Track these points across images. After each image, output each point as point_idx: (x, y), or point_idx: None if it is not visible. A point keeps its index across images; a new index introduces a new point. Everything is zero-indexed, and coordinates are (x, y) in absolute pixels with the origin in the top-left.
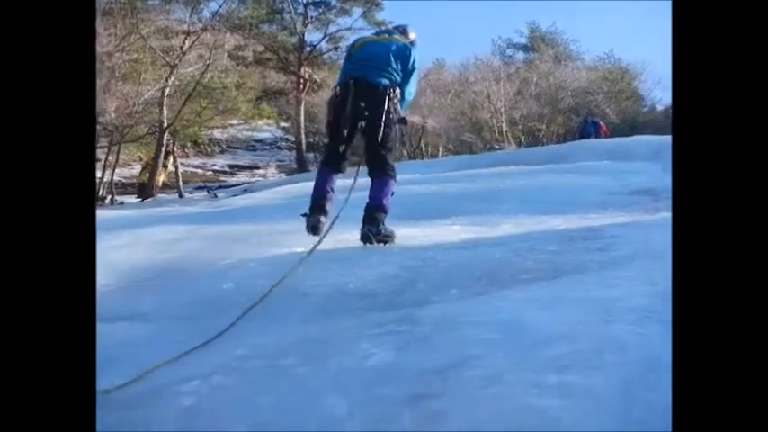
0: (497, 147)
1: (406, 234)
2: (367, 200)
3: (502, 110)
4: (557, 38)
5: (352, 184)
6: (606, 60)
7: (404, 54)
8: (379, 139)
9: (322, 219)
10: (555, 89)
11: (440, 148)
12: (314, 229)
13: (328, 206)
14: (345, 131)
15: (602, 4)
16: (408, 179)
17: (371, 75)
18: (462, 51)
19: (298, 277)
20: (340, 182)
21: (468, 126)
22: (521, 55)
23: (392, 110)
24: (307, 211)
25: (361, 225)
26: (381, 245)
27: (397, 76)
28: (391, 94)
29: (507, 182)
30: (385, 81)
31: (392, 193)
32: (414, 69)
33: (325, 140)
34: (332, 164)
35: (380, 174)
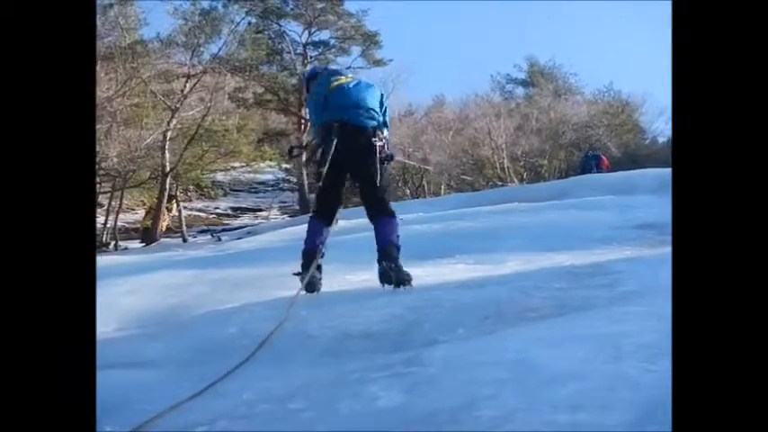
0: (499, 183)
1: (411, 274)
2: (376, 243)
3: (503, 146)
4: (556, 72)
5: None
6: (606, 93)
7: (380, 93)
8: (378, 183)
9: (317, 275)
10: (556, 124)
11: (442, 186)
12: (311, 286)
13: (320, 261)
14: (333, 179)
15: (601, 36)
16: (412, 218)
17: (357, 117)
18: (462, 87)
19: (303, 320)
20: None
21: (470, 164)
22: (520, 90)
23: (383, 151)
24: (299, 269)
25: (373, 266)
26: (399, 287)
27: (380, 117)
28: (380, 135)
29: (511, 219)
30: (372, 122)
31: (397, 235)
32: (386, 108)
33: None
34: (321, 215)
35: (383, 214)
